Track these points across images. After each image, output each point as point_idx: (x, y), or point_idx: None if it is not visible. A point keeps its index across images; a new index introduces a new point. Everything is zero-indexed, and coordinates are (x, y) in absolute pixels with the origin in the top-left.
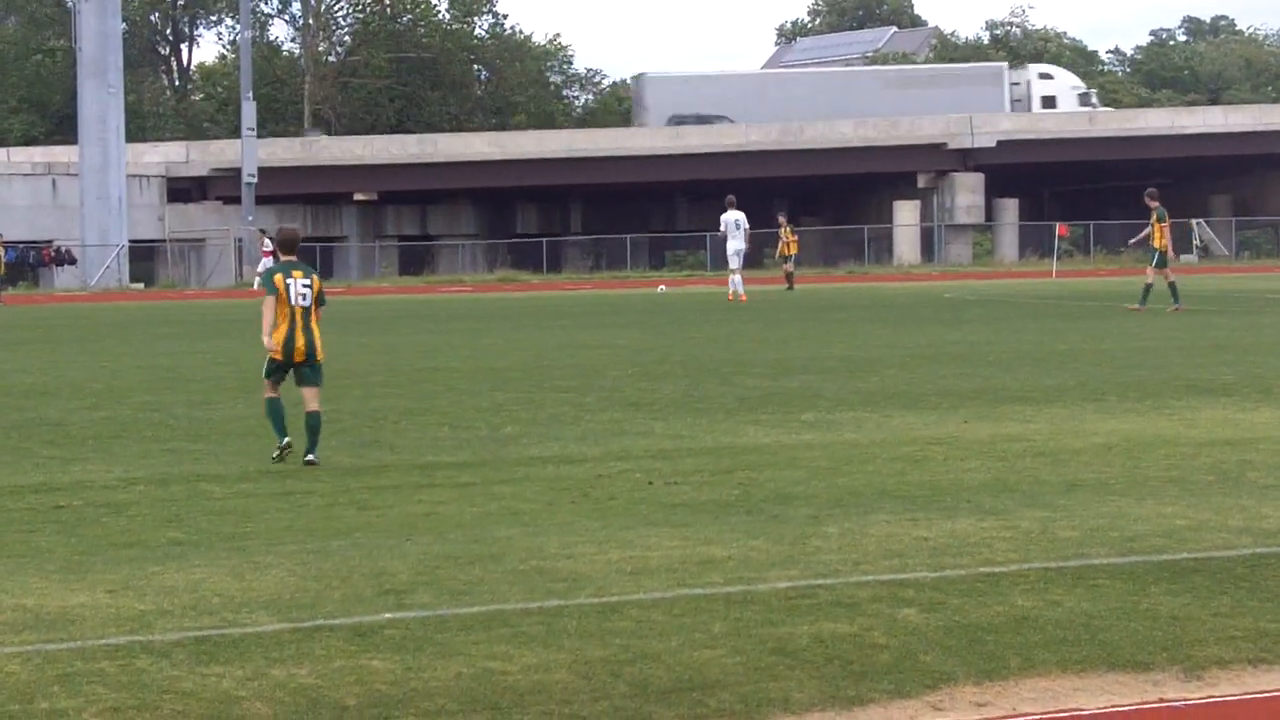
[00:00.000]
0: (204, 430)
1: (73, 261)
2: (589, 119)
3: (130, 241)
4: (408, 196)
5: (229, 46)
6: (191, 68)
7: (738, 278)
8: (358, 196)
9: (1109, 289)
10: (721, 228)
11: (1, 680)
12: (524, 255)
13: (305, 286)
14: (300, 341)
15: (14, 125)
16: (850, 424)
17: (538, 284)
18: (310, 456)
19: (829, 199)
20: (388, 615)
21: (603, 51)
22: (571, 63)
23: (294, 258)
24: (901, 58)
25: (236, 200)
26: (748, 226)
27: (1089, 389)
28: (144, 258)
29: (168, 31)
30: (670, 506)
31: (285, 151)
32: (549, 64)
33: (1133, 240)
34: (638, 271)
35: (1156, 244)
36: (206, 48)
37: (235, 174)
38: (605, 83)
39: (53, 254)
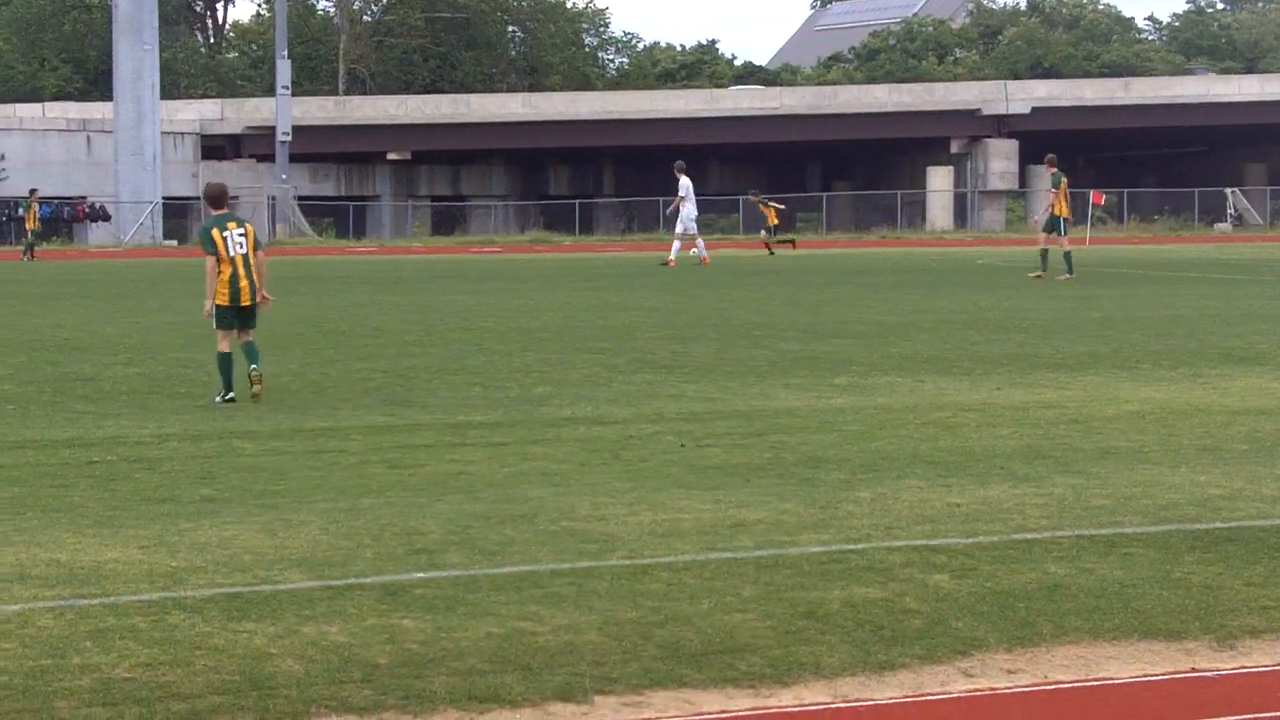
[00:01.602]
0: (235, 387)
1: (106, 218)
2: (623, 82)
3: (164, 198)
4: (441, 156)
5: (264, 4)
6: (226, 25)
7: (678, 244)
8: (391, 156)
9: (1143, 256)
10: (682, 193)
11: (34, 634)
12: (556, 217)
13: (240, 235)
14: (244, 285)
15: (50, 81)
16: (883, 389)
17: (569, 245)
18: (254, 367)
19: (862, 163)
20: (419, 574)
21: (639, 15)
22: (608, 25)
23: (225, 210)
24: (937, 23)
25: (270, 158)
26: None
27: (1122, 356)
28: (177, 215)
29: None
30: (702, 469)
31: (319, 110)
32: (584, 26)
33: (1035, 218)
34: (669, 234)
35: (1056, 211)
36: (242, 5)
37: (269, 132)
38: (640, 46)
39: (86, 210)
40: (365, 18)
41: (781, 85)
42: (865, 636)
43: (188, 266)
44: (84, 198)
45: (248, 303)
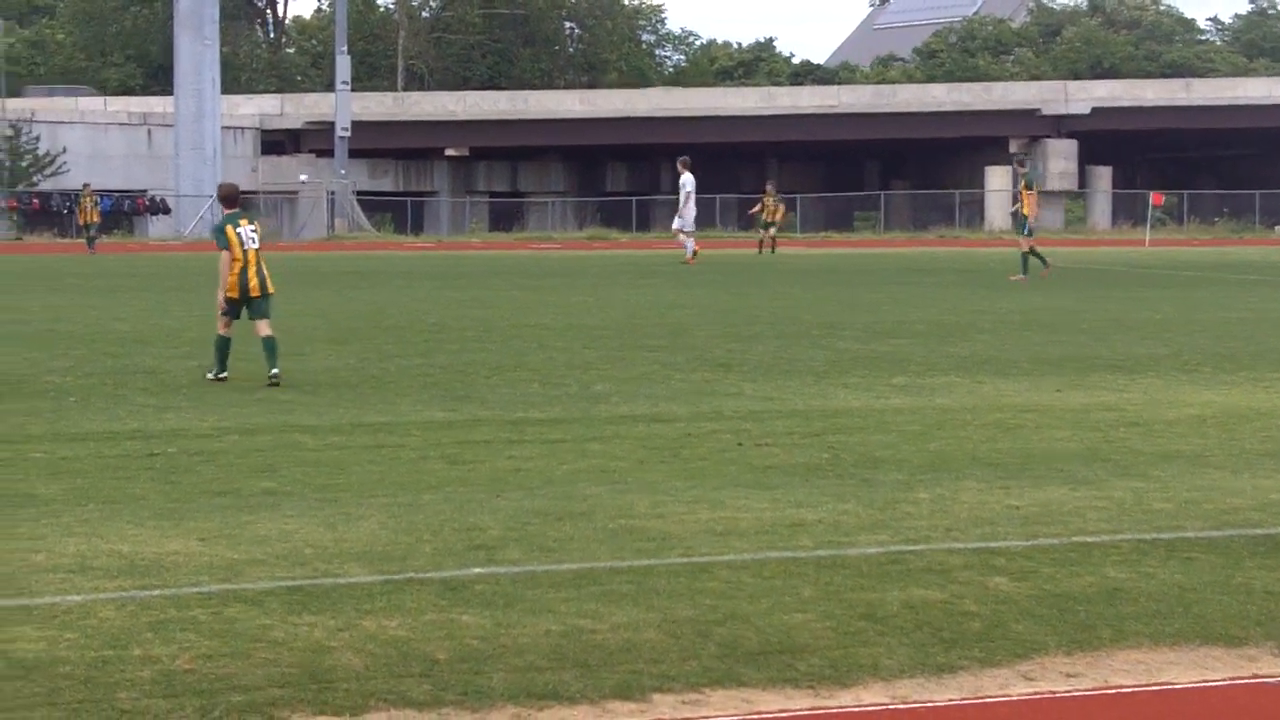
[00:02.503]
0: (296, 380)
1: (166, 211)
2: (680, 78)
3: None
4: (499, 153)
5: (324, 1)
6: (287, 20)
7: (690, 240)
8: (449, 152)
9: (1203, 258)
10: (689, 189)
11: (96, 625)
12: (613, 213)
13: (252, 231)
14: (254, 279)
15: (111, 75)
16: (941, 389)
17: (626, 242)
18: (274, 372)
19: (920, 162)
20: (478, 570)
21: (696, 12)
22: (664, 22)
23: (236, 209)
24: (996, 23)
25: (329, 154)
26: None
27: (1183, 359)
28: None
29: None
30: (760, 468)
31: (378, 106)
32: (641, 23)
33: (1011, 209)
34: (726, 231)
35: (1025, 211)
36: (302, 1)
37: (328, 127)
38: (697, 43)
39: (147, 203)
40: (424, 14)
41: (840, 84)
42: (924, 638)
43: None
44: (144, 191)
45: (256, 294)
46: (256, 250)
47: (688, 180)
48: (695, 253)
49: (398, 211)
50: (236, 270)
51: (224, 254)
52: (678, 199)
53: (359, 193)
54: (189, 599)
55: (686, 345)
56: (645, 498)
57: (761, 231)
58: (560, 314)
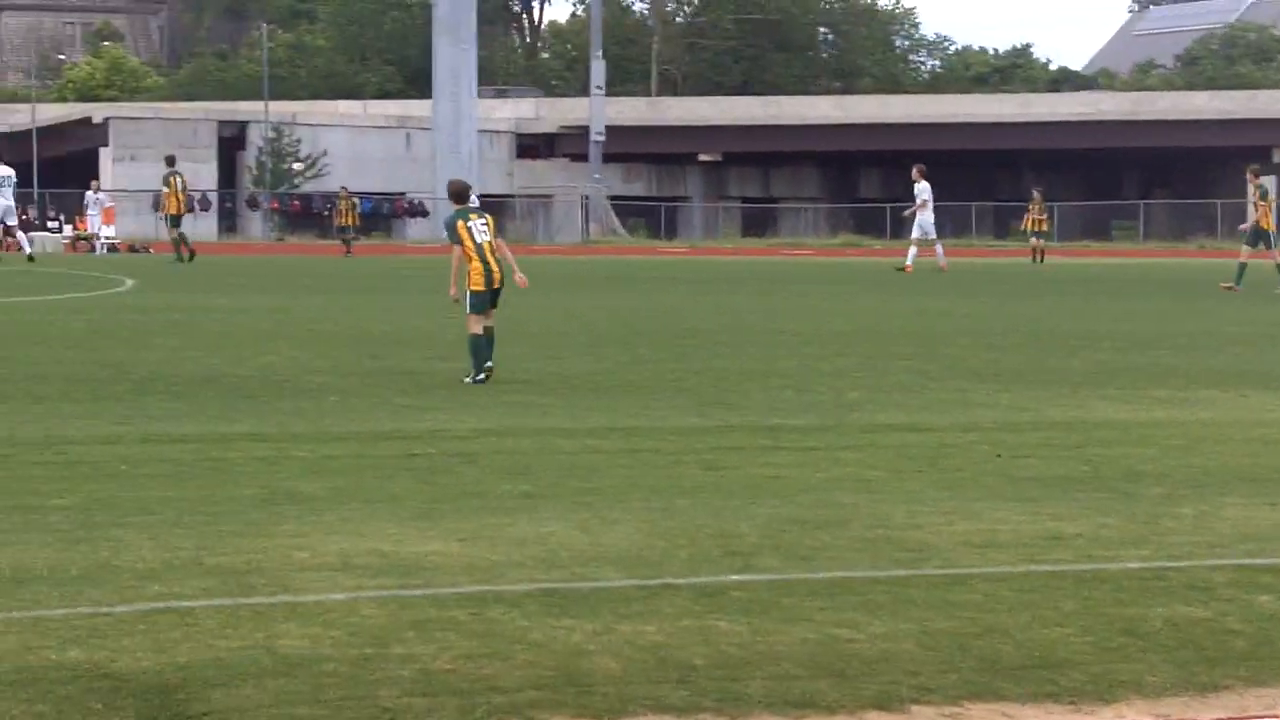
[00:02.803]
0: (552, 383)
1: (424, 214)
2: (935, 84)
3: (480, 196)
4: (751, 158)
5: (580, 5)
6: (542, 25)
7: (915, 249)
8: (702, 157)
9: None
10: (925, 196)
11: (359, 623)
12: (866, 220)
13: (483, 225)
14: (495, 269)
15: (370, 79)
16: (1203, 402)
17: (880, 250)
18: (488, 364)
19: (1181, 171)
20: (734, 577)
21: (951, 17)
22: (918, 28)
23: (466, 205)
24: (1260, 29)
25: (584, 158)
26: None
27: None
28: (493, 212)
29: None
30: (1018, 480)
31: (632, 110)
32: (895, 28)
33: (1243, 226)
34: (981, 239)
35: (1265, 224)
36: (558, 6)
37: (583, 131)
38: (952, 49)
39: (405, 206)
40: (677, 19)
41: (1098, 90)
42: (1188, 656)
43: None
44: (402, 194)
45: (499, 285)
46: (489, 242)
47: (924, 188)
48: (936, 261)
49: (650, 216)
50: (478, 265)
51: (456, 249)
52: (915, 209)
53: (612, 197)
54: (448, 599)
55: (941, 354)
56: (902, 507)
57: (1034, 240)
58: (812, 320)
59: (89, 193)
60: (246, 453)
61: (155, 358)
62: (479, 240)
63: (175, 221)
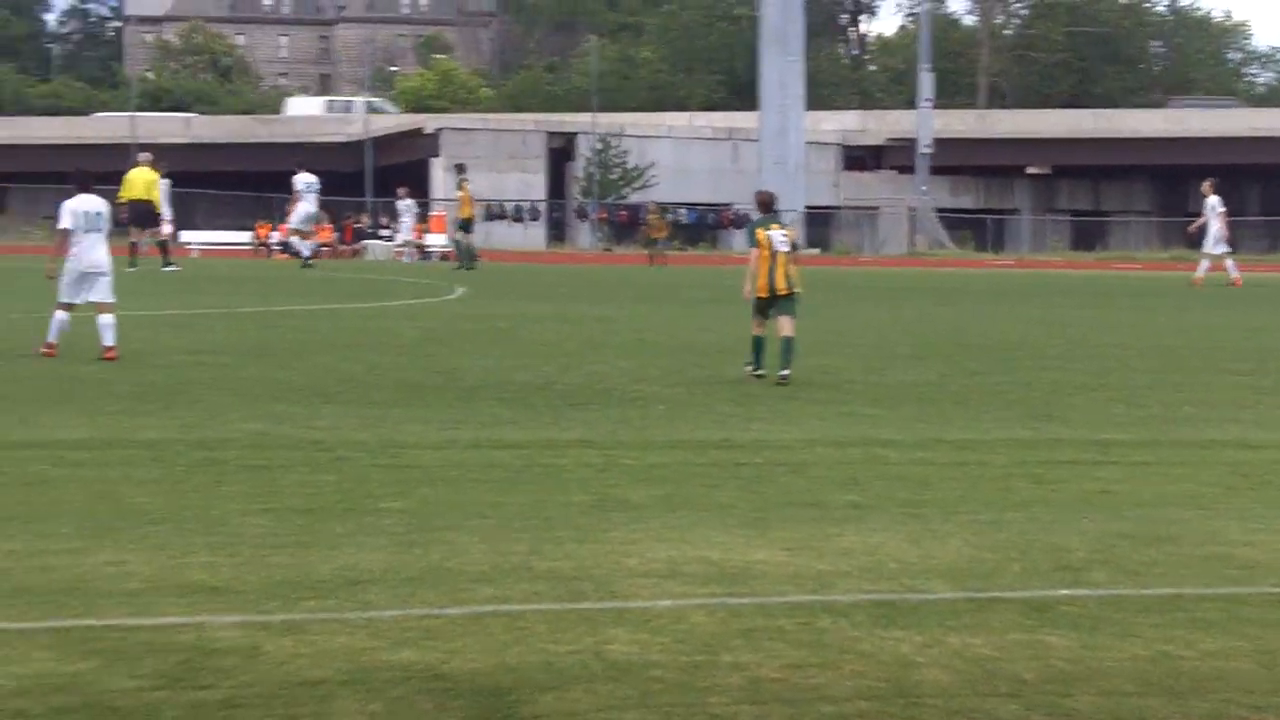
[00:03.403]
0: (878, 394)
1: None
2: (1270, 98)
3: (806, 208)
4: (1081, 171)
5: (908, 18)
6: (869, 38)
7: (1207, 263)
8: (1030, 170)
9: None
10: (1219, 209)
11: (687, 630)
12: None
13: (782, 236)
14: (780, 280)
15: (697, 91)
16: None
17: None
18: (784, 372)
19: None
20: (1064, 591)
21: None
22: (1250, 39)
23: (770, 214)
24: None
25: (910, 170)
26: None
27: None
28: (819, 223)
29: (848, 2)
30: None
31: (959, 123)
32: (1228, 41)
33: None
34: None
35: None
36: (884, 19)
37: (909, 144)
38: None
39: (730, 217)
40: (1006, 32)
41: None
42: None
43: (829, 275)
44: (728, 205)
45: (783, 292)
46: (785, 254)
47: (1215, 202)
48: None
49: (977, 228)
50: (764, 270)
51: (753, 252)
52: (1205, 220)
53: (939, 209)
54: (776, 608)
55: (1275, 369)
56: (1235, 524)
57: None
58: (1141, 334)
59: (398, 201)
60: (576, 459)
61: (485, 364)
62: (777, 249)
63: (465, 226)
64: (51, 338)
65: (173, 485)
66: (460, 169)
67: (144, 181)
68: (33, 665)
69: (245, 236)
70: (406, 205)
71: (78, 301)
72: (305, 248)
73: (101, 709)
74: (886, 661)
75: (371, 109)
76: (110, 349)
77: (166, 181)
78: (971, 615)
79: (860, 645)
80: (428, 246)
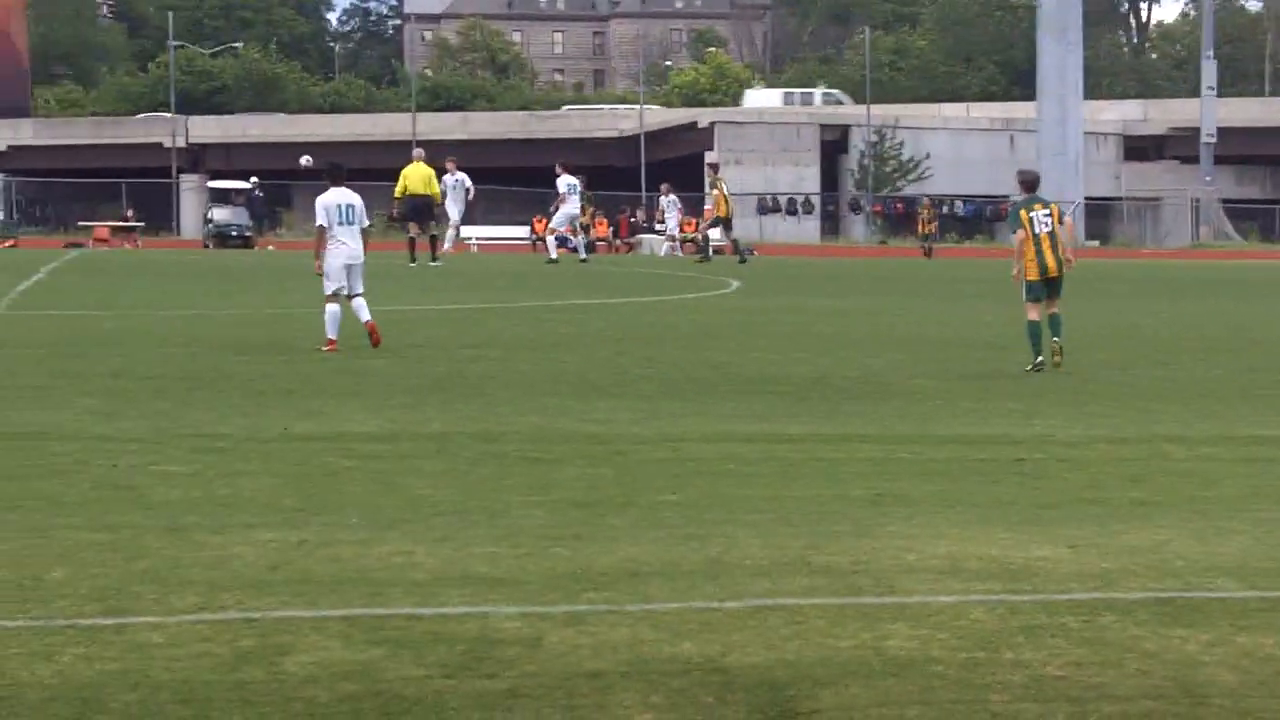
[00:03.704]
0: (1161, 389)
1: None
2: None
3: (1086, 199)
4: None
5: (1190, 3)
6: (1150, 25)
7: None
8: None
9: None
10: None
11: (967, 627)
12: None
13: (1045, 215)
14: (1050, 260)
15: (973, 81)
16: None
17: None
18: (1055, 339)
19: None
20: None
21: None
22: None
23: (1033, 195)
24: None
25: (1193, 160)
26: None
27: None
28: (1099, 215)
29: None
30: None
31: (1244, 111)
32: None
33: None
34: None
35: None
36: (1167, 6)
37: (1192, 133)
38: None
39: (1008, 209)
40: None
41: None
42: None
43: (1112, 268)
44: (1006, 197)
45: (1055, 275)
46: (1049, 234)
47: None
48: None
49: (1264, 219)
50: (1032, 253)
51: (1018, 234)
52: None
53: (1224, 200)
54: (1059, 605)
55: None
56: None
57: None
58: None
59: (662, 197)
60: (852, 454)
61: (760, 358)
62: (1038, 231)
63: (721, 224)
64: (331, 334)
65: (457, 477)
66: (714, 168)
67: (421, 176)
68: (322, 653)
69: (523, 231)
70: (670, 200)
71: (344, 293)
72: (579, 244)
73: (389, 697)
74: (1170, 660)
75: (828, 100)
76: (371, 323)
77: (461, 177)
78: (1261, 614)
79: (1144, 644)
80: (676, 239)
